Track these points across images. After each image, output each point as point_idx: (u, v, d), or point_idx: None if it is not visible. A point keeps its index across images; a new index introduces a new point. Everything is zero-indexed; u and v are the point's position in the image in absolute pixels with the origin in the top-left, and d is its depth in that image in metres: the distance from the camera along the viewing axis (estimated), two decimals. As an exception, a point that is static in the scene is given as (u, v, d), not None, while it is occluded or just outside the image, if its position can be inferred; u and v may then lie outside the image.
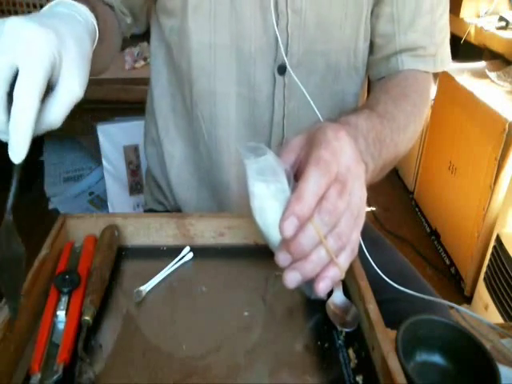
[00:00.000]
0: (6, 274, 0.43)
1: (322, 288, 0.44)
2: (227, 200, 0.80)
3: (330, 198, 0.42)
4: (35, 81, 0.40)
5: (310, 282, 0.46)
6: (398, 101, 0.65)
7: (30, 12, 1.85)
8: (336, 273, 0.44)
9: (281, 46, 0.68)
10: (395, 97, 0.66)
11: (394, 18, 0.71)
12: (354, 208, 0.44)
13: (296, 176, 0.45)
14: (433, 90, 0.76)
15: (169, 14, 0.73)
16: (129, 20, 0.74)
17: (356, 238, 0.46)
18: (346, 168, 0.44)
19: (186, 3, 0.68)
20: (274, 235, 0.46)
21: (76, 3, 0.52)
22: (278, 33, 0.67)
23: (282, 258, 0.44)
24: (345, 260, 0.45)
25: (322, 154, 0.43)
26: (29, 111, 0.40)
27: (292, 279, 0.44)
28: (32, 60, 0.40)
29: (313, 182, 0.42)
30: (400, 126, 0.61)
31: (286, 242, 0.43)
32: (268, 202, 0.44)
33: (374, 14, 0.72)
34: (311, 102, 0.66)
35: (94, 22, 0.53)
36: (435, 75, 0.77)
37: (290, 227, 0.41)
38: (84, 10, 0.52)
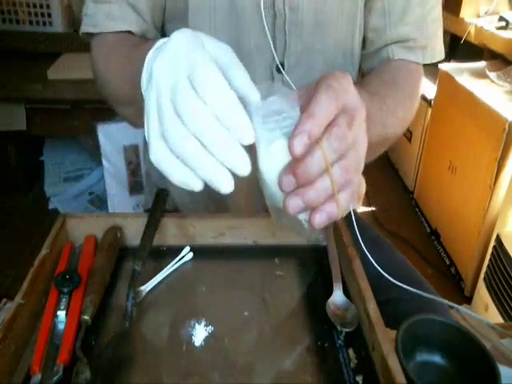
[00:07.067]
0: None
1: (316, 220, 0.42)
2: (226, 204, 0.80)
3: (339, 125, 0.41)
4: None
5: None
6: (389, 86, 0.66)
7: (29, 12, 1.84)
8: (334, 209, 0.42)
9: (271, 44, 0.68)
10: (386, 82, 0.67)
11: (385, 11, 0.72)
12: (358, 148, 0.43)
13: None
14: (423, 82, 0.76)
15: (172, 19, 0.73)
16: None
17: (357, 182, 0.43)
18: (353, 105, 0.43)
19: (187, 5, 0.68)
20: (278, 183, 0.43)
21: None
22: (268, 33, 0.67)
23: (286, 182, 0.41)
24: (345, 199, 0.42)
25: (331, 82, 0.42)
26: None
27: (294, 205, 0.42)
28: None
29: (323, 103, 0.40)
30: (389, 109, 0.62)
31: (292, 166, 0.41)
32: (276, 142, 0.42)
33: (366, 8, 0.73)
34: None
35: None
36: (435, 69, 0.77)
37: (299, 145, 0.39)
38: None
